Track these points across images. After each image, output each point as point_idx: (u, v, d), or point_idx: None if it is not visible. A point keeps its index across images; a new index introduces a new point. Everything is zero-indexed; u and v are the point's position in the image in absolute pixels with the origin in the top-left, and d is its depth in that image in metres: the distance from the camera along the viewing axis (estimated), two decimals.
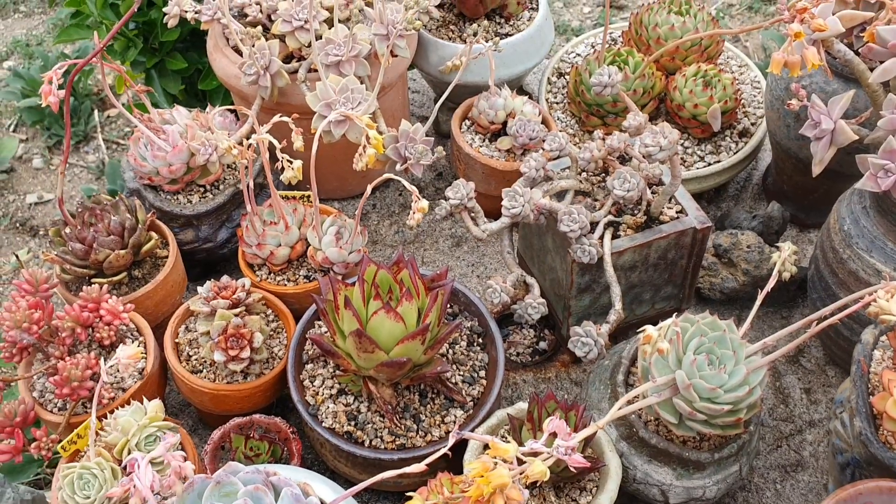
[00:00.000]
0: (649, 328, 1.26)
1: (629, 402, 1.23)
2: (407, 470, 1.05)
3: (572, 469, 1.08)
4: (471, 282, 1.83)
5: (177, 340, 1.49)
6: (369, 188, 1.43)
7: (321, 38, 1.59)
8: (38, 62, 3.27)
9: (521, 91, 2.08)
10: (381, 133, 1.66)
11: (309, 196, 1.64)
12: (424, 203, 1.40)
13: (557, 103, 1.96)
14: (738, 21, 3.55)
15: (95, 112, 3.21)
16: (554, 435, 1.24)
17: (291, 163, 1.39)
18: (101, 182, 3.00)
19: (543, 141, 1.76)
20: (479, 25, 1.89)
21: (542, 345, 1.72)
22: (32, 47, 3.51)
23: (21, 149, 3.17)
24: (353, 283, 1.38)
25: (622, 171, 1.41)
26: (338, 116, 1.46)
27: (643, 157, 1.39)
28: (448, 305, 1.55)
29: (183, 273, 1.62)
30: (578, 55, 2.05)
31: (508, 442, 1.09)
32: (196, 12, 1.70)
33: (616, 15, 3.59)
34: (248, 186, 1.49)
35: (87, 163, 3.11)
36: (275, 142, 1.37)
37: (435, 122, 2.10)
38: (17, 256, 1.94)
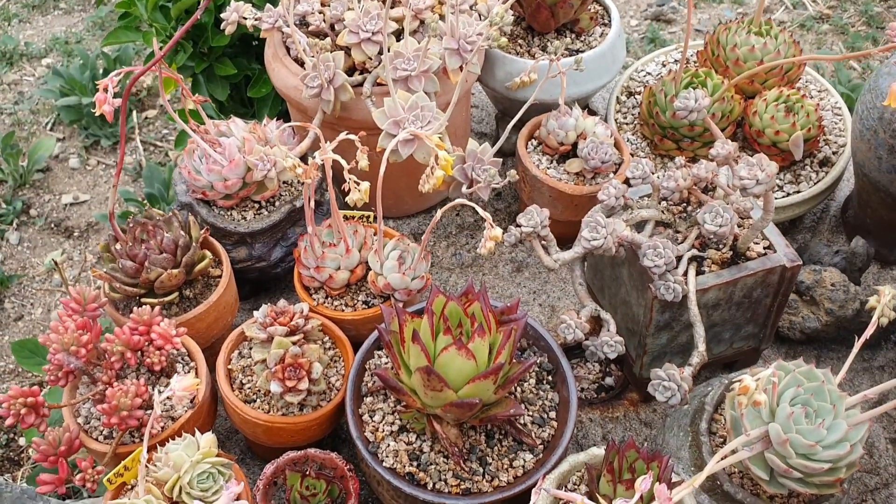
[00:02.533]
0: (746, 378, 1.16)
1: (722, 458, 1.14)
2: None
3: None
4: (532, 310, 1.74)
5: (229, 367, 1.41)
6: (439, 213, 1.34)
7: (389, 51, 1.50)
8: (77, 60, 3.22)
9: (588, 110, 1.99)
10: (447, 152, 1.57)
11: (369, 217, 1.56)
12: (498, 231, 1.32)
13: (627, 124, 1.86)
14: None
15: (134, 113, 3.16)
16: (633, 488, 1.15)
17: (359, 184, 1.30)
18: (137, 184, 2.95)
19: (616, 165, 1.67)
20: (549, 41, 1.80)
21: (609, 381, 1.63)
22: (72, 45, 3.46)
23: (58, 148, 3.13)
24: (419, 313, 1.30)
25: (714, 205, 1.31)
26: (407, 135, 1.38)
27: (737, 189, 1.29)
28: None
29: (235, 294, 1.54)
30: (649, 73, 1.95)
31: (594, 499, 1.01)
32: (256, 19, 1.62)
33: (664, 29, 3.50)
34: (309, 205, 1.41)
35: (125, 165, 3.05)
36: (343, 161, 1.28)
37: (493, 140, 2.01)
38: (55, 262, 1.87)
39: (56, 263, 1.77)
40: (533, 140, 1.76)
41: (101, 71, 3.10)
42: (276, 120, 1.62)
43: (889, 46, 1.23)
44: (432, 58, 1.50)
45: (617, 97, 1.90)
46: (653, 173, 1.41)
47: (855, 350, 1.26)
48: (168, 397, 1.16)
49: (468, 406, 1.22)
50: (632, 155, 1.80)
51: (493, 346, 1.26)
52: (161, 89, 1.47)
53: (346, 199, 1.32)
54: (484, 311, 1.28)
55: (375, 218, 1.41)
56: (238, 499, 0.96)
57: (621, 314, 1.52)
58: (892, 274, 1.76)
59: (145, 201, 2.64)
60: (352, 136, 1.34)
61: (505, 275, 1.80)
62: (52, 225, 2.88)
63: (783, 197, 1.72)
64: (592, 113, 1.97)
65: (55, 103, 3.06)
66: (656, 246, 1.32)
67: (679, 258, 1.38)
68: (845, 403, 1.21)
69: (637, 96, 1.90)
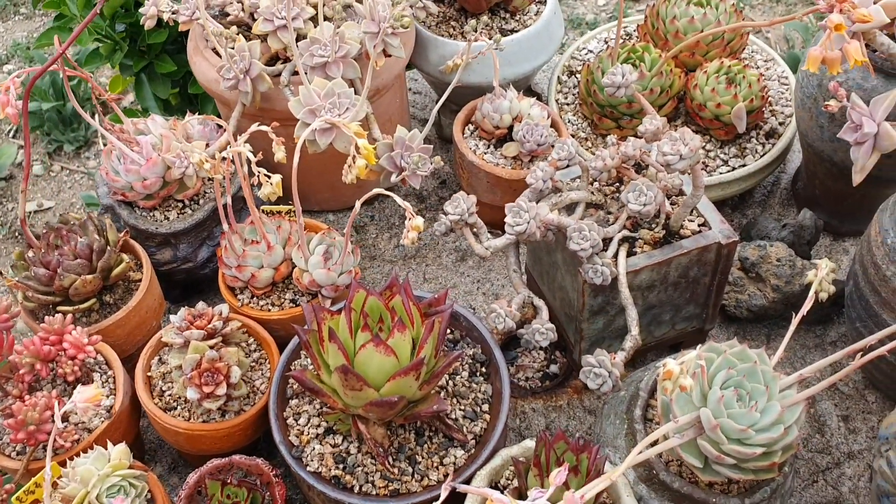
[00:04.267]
0: (670, 363, 1.11)
1: (650, 445, 1.09)
2: None
3: None
4: (476, 300, 1.69)
5: (149, 374, 1.36)
6: (358, 204, 1.29)
7: (306, 37, 1.45)
8: (38, 66, 3.15)
9: (530, 91, 1.93)
10: (375, 140, 1.52)
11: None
12: (419, 221, 1.26)
13: (568, 104, 1.81)
14: (759, 12, 3.38)
15: (97, 116, 3.11)
16: (566, 485, 1.11)
17: (269, 177, 1.25)
18: None
19: (553, 147, 1.62)
20: (481, 21, 1.74)
21: (553, 368, 1.58)
22: (33, 51, 3.40)
23: (20, 155, 3.07)
24: (341, 311, 1.24)
25: (637, 184, 1.26)
26: (322, 124, 1.33)
27: (661, 166, 1.24)
28: (448, 331, 1.41)
29: (159, 297, 1.49)
30: (591, 51, 1.90)
31: (523, 495, 0.96)
32: (173, 12, 1.56)
33: (632, 7, 3.44)
34: (224, 203, 1.36)
35: (88, 169, 3.01)
36: (250, 154, 1.23)
37: (438, 126, 1.96)
38: (1, 274, 1.82)
39: (1, 275, 1.72)
40: (470, 125, 1.71)
41: (61, 75, 3.05)
42: (198, 115, 1.57)
43: (814, 9, 1.17)
44: (350, 42, 1.44)
45: (558, 77, 1.84)
46: (579, 152, 1.36)
47: (792, 327, 1.22)
48: (71, 411, 1.11)
49: (388, 405, 1.17)
50: (572, 136, 1.74)
51: (416, 340, 1.21)
52: (67, 88, 1.41)
53: (259, 193, 1.27)
54: (405, 304, 1.23)
55: (306, 212, 1.36)
56: (151, 500, 0.91)
57: (559, 300, 1.48)
58: (844, 245, 1.71)
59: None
60: (264, 128, 1.29)
61: (448, 264, 1.75)
62: (17, 233, 2.83)
63: (728, 171, 1.66)
64: (532, 94, 1.92)
65: None
66: (581, 229, 1.27)
67: (609, 240, 1.33)
68: (780, 384, 1.16)
69: (578, 75, 1.85)
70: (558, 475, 0.99)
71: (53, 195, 3.00)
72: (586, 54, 1.89)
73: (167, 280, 1.60)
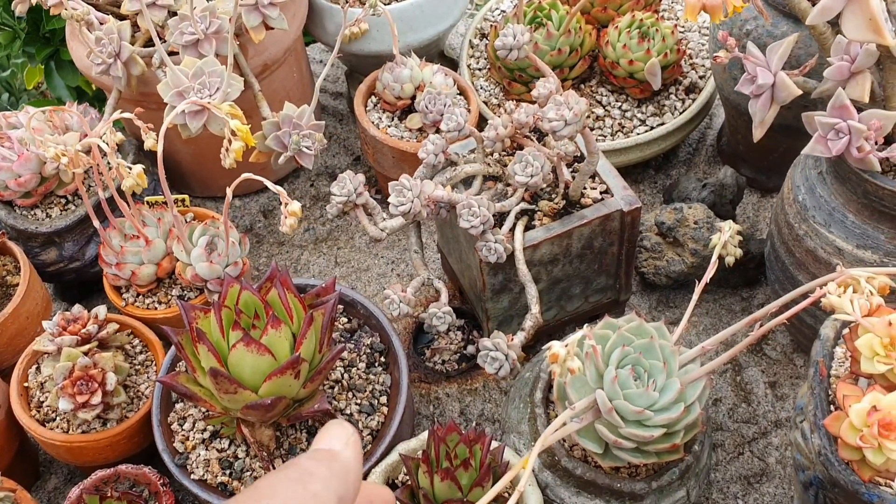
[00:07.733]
0: (555, 345, 1.03)
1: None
2: None
3: None
4: (391, 282, 1.61)
5: (27, 384, 1.28)
6: (229, 191, 1.21)
7: (176, 14, 1.36)
8: None
9: (443, 57, 1.84)
10: (264, 119, 1.43)
11: (184, 200, 1.42)
12: (295, 205, 1.18)
13: (480, 70, 1.72)
14: None
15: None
16: (455, 481, 1.04)
17: (130, 169, 1.16)
18: None
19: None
20: None
21: (471, 349, 1.51)
22: None
23: None
24: None
25: (523, 154, 1.18)
26: (191, 106, 1.24)
27: (549, 132, 1.16)
28: (346, 320, 1.34)
29: (43, 300, 1.40)
30: (503, 12, 1.80)
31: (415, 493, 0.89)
32: None
33: None
34: (97, 199, 1.27)
35: None
36: (103, 144, 1.14)
37: (349, 100, 1.87)
38: None
39: None
40: (373, 97, 1.62)
41: None
42: (79, 104, 1.48)
43: None
44: (223, 17, 1.35)
45: (469, 41, 1.75)
46: (469, 123, 1.27)
47: (695, 297, 1.14)
48: None
49: (265, 407, 1.10)
50: (484, 103, 1.65)
51: (297, 335, 1.14)
52: None
53: (121, 185, 1.18)
54: (282, 296, 1.15)
55: (208, 199, 1.27)
56: None
57: (468, 278, 1.40)
58: (773, 202, 1.63)
59: None
60: (126, 115, 1.20)
61: (362, 246, 1.67)
62: None
63: (646, 132, 1.58)
64: (445, 59, 1.83)
65: None
66: (471, 205, 1.18)
67: (504, 214, 1.25)
68: (680, 360, 1.08)
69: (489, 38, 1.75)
70: None
71: None
72: (499, 15, 1.80)
73: (58, 281, 1.51)
